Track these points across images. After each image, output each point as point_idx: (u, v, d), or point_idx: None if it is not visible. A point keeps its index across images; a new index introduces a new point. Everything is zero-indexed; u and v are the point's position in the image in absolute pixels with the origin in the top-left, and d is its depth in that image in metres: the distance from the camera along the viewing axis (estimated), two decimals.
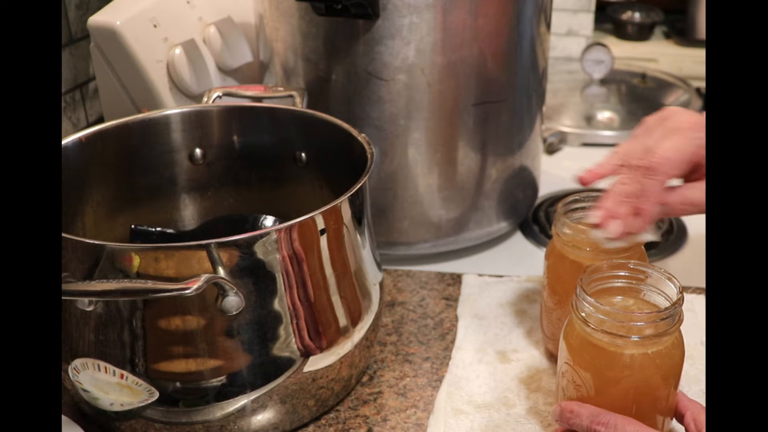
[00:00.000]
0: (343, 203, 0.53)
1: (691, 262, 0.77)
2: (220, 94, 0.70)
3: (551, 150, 1.03)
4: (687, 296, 0.68)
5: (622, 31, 1.88)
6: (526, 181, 0.79)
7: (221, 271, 0.48)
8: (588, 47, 1.22)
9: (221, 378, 0.50)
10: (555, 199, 0.89)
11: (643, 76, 1.27)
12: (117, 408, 0.51)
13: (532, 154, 0.79)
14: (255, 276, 0.49)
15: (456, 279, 0.73)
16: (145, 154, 0.65)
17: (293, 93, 0.69)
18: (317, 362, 0.53)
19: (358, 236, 0.56)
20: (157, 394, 0.50)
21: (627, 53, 1.76)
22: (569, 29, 1.55)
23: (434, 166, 0.72)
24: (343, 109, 0.71)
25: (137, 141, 0.65)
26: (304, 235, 0.50)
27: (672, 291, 0.50)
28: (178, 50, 0.80)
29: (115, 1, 0.80)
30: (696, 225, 0.84)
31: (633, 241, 0.54)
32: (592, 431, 0.47)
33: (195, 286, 0.45)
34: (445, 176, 0.72)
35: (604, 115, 1.12)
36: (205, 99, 0.69)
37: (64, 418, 0.54)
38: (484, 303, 0.69)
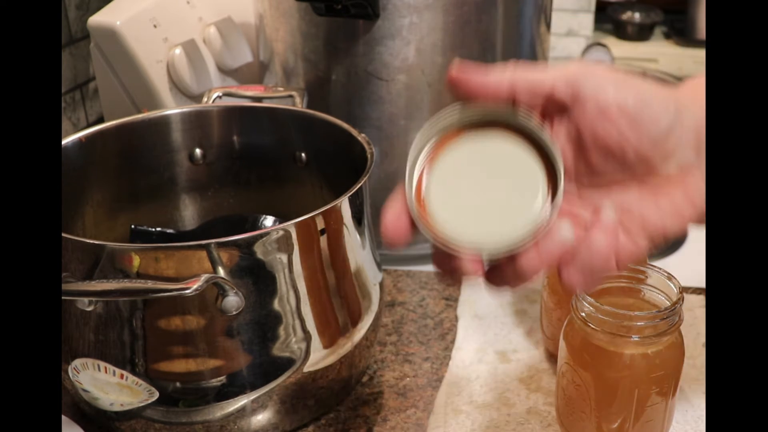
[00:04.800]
0: (343, 203, 0.53)
1: (691, 262, 0.77)
2: (220, 94, 0.70)
3: None
4: (687, 296, 0.68)
5: (622, 31, 1.88)
6: None
7: (221, 271, 0.48)
8: (588, 47, 1.22)
9: (221, 378, 0.50)
10: None
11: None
12: (117, 408, 0.51)
13: None
14: (255, 276, 0.49)
15: None
16: (145, 154, 0.65)
17: (293, 93, 0.69)
18: (317, 362, 0.53)
19: (358, 236, 0.56)
20: (157, 394, 0.50)
21: (627, 53, 1.76)
22: (569, 29, 1.56)
23: None
24: (343, 109, 0.71)
25: (137, 141, 0.65)
26: (304, 235, 0.50)
27: (672, 291, 0.50)
28: (178, 50, 0.80)
29: (115, 1, 0.80)
30: None
31: None
32: None
33: (195, 286, 0.45)
34: None
35: None
36: (205, 99, 0.69)
37: (64, 418, 0.54)
38: (484, 303, 0.69)
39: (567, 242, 0.37)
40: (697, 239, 0.81)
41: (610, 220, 0.38)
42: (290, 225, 0.49)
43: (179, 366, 0.50)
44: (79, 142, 0.61)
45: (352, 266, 0.55)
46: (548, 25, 0.76)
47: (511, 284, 0.39)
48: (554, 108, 0.39)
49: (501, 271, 0.38)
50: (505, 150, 0.39)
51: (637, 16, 1.86)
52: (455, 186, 0.39)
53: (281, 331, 0.51)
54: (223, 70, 0.85)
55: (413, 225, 0.38)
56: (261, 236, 0.48)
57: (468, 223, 0.38)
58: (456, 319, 0.67)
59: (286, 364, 0.52)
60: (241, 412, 0.52)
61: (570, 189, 0.40)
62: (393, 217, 0.39)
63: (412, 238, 0.39)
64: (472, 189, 0.39)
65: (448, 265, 0.38)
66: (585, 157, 0.39)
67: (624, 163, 0.38)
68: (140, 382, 0.50)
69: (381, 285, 0.60)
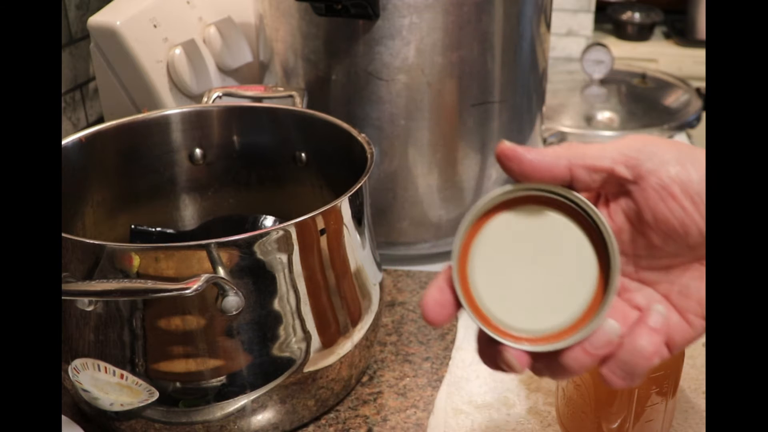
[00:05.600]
0: (343, 203, 0.53)
1: None
2: (220, 94, 0.70)
3: None
4: None
5: (622, 31, 1.88)
6: None
7: (221, 271, 0.48)
8: (588, 47, 1.22)
9: (221, 378, 0.50)
10: None
11: (643, 77, 1.27)
12: (117, 408, 0.51)
13: None
14: (255, 276, 0.49)
15: None
16: (145, 154, 0.66)
17: (293, 93, 0.69)
18: (317, 362, 0.53)
19: (358, 236, 0.56)
20: (157, 394, 0.50)
21: (627, 53, 1.76)
22: (569, 29, 1.56)
23: (434, 166, 0.72)
24: (343, 109, 0.71)
25: (137, 141, 0.65)
26: (304, 235, 0.50)
27: None
28: (178, 50, 0.80)
29: (115, 1, 0.80)
30: None
31: None
32: None
33: (195, 286, 0.45)
34: (445, 176, 0.72)
35: (604, 115, 1.13)
36: (205, 99, 0.69)
37: (64, 418, 0.54)
38: None
39: (614, 339, 0.36)
40: None
41: (657, 324, 0.36)
42: (290, 225, 0.49)
43: (179, 366, 0.50)
44: (79, 142, 0.61)
45: (352, 266, 0.55)
46: (548, 25, 0.76)
47: (555, 377, 0.37)
48: (613, 186, 0.37)
49: (545, 363, 0.37)
50: (557, 232, 0.37)
51: (637, 16, 1.86)
52: (503, 266, 0.37)
53: (281, 331, 0.51)
54: (223, 70, 0.86)
55: (457, 302, 0.37)
56: (261, 236, 0.48)
57: (515, 310, 0.37)
58: (456, 319, 0.67)
59: (286, 364, 0.52)
60: (241, 412, 0.52)
61: (627, 270, 0.38)
62: (436, 291, 0.37)
63: (456, 315, 0.37)
64: (521, 272, 0.37)
65: (491, 355, 0.37)
66: (645, 236, 0.37)
67: (686, 244, 0.36)
68: (140, 382, 0.50)
69: (381, 285, 0.60)
